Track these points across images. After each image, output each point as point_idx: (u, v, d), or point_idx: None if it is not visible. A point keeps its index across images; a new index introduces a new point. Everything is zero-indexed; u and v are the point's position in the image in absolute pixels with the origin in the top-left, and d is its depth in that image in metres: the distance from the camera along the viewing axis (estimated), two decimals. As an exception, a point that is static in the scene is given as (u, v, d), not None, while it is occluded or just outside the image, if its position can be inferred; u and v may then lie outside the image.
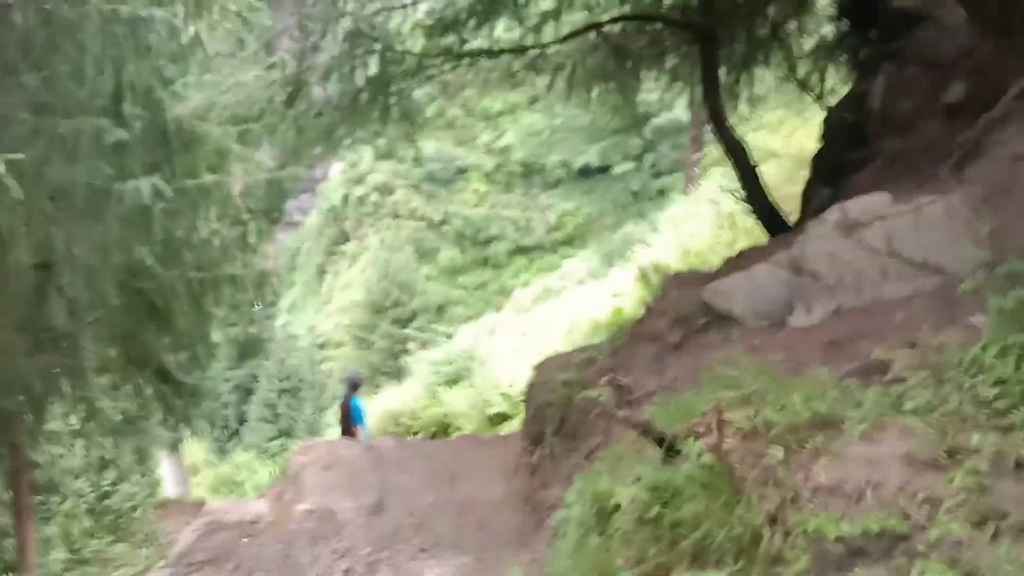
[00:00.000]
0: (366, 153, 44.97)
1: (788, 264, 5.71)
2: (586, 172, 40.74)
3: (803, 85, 9.64)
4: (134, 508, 11.34)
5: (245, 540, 6.01)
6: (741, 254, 8.43)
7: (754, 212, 9.10)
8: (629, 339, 6.13)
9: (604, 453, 3.97)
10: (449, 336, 36.03)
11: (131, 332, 11.85)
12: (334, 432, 16.64)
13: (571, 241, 43.35)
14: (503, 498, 6.71)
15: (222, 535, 6.08)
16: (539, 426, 6.49)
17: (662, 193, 37.34)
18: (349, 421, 14.13)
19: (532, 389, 7.03)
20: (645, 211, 33.25)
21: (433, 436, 19.42)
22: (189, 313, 11.94)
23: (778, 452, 3.01)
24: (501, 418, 16.59)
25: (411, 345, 29.29)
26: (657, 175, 41.02)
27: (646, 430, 3.33)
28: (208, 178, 11.43)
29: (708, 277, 10.14)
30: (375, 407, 21.48)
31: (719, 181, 24.49)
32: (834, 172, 8.65)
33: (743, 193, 9.20)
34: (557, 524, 3.70)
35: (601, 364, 6.03)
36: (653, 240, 22.57)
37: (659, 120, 36.56)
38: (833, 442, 3.03)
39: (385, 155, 44.00)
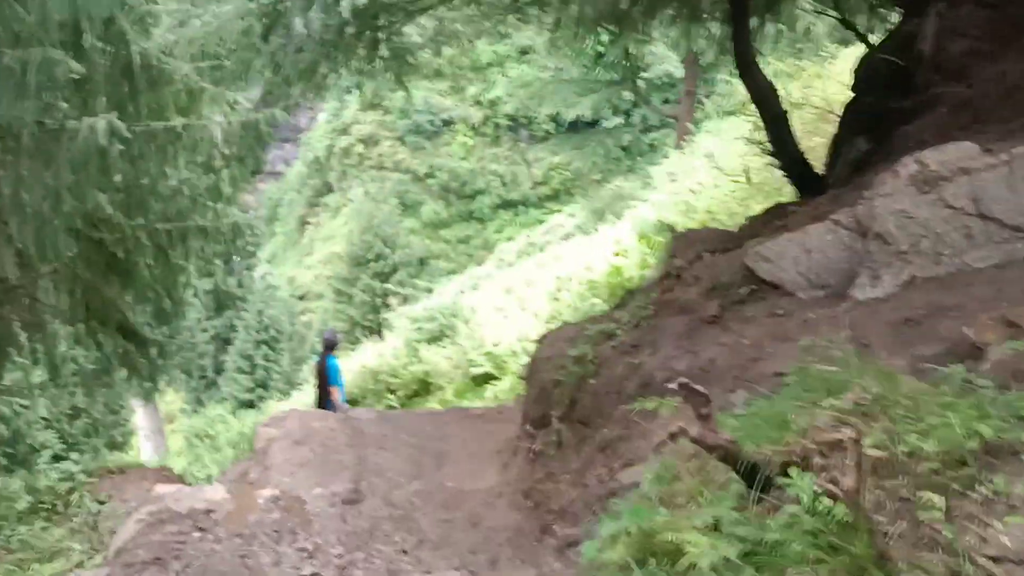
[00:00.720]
0: (351, 102, 43.56)
1: (851, 224, 4.74)
2: (574, 126, 39.53)
3: (846, 24, 8.53)
4: (72, 488, 10.32)
5: (197, 534, 5.03)
6: (779, 212, 7.46)
7: (782, 165, 8.10)
8: (653, 309, 5.15)
9: (649, 470, 2.99)
10: (431, 290, 35.04)
11: (92, 285, 10.78)
12: (308, 393, 15.66)
13: (557, 196, 42.30)
14: (498, 488, 5.76)
15: (171, 528, 5.09)
16: (543, 408, 5.53)
17: (652, 148, 36.24)
18: (324, 381, 13.25)
19: (536, 364, 6.04)
20: (635, 166, 32.15)
21: (415, 394, 18.53)
22: (155, 266, 10.87)
23: (935, 499, 2.06)
24: (486, 378, 15.68)
25: (392, 300, 28.24)
26: (646, 130, 39.88)
27: (727, 454, 2.37)
28: (177, 120, 10.28)
29: (727, 236, 9.18)
30: (354, 363, 20.51)
31: (718, 134, 23.51)
32: (873, 122, 7.65)
33: (769, 144, 8.18)
34: (587, 567, 2.71)
35: (621, 339, 5.06)
36: (648, 196, 21.57)
37: (649, 74, 35.35)
38: (1017, 485, 2.07)
39: (371, 105, 42.57)
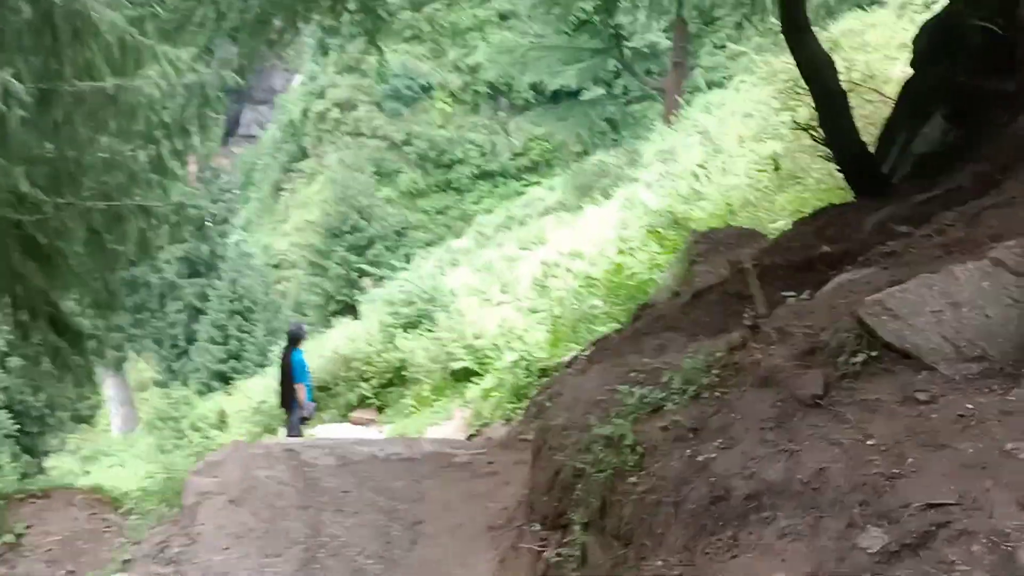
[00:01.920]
0: (328, 64, 41.41)
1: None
2: (556, 96, 37.66)
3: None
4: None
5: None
6: (837, 216, 5.87)
7: (835, 156, 6.47)
8: (720, 373, 3.54)
9: None
10: (407, 265, 33.30)
11: (14, 272, 9.01)
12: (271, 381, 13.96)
13: (536, 167, 40.54)
14: (493, 592, 4.22)
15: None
16: (559, 503, 3.93)
17: (635, 121, 34.48)
18: (289, 378, 11.75)
19: (547, 435, 4.39)
20: (620, 140, 30.43)
21: (389, 383, 16.93)
22: (86, 252, 9.13)
23: None
24: (466, 374, 14.09)
25: (366, 282, 26.50)
26: (627, 102, 38.08)
27: None
28: (109, 81, 8.47)
29: (768, 244, 7.57)
30: (326, 347, 18.85)
31: (712, 109, 21.83)
32: (951, 105, 6.04)
33: (819, 128, 6.53)
34: None
35: (675, 417, 3.44)
36: (638, 174, 19.92)
37: (633, 43, 33.48)
38: None
39: (347, 68, 40.44)
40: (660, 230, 9.21)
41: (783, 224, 9.09)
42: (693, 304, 5.85)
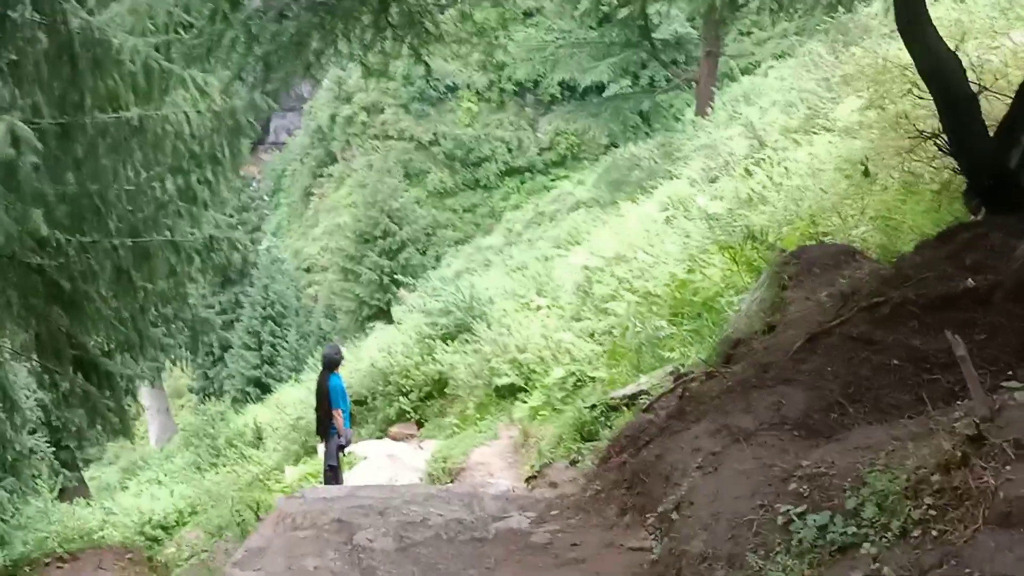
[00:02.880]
0: (354, 69, 40.60)
1: None
2: (582, 90, 36.65)
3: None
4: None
5: None
6: (971, 239, 4.93)
7: (964, 165, 5.51)
8: (935, 503, 2.61)
9: None
10: (436, 264, 32.53)
11: (39, 314, 8.25)
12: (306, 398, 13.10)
13: (563, 162, 39.63)
14: None
15: None
16: None
17: (662, 113, 33.42)
18: (327, 403, 11.00)
19: (679, 566, 3.47)
20: (653, 133, 29.40)
21: (429, 396, 16.10)
22: (113, 291, 8.36)
23: None
24: (511, 390, 13.20)
25: (401, 292, 25.68)
26: (653, 94, 36.95)
27: None
28: (133, 111, 7.66)
29: (861, 261, 6.63)
30: (362, 360, 18.04)
31: (749, 100, 20.77)
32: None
33: (943, 135, 5.57)
34: None
35: (874, 565, 2.55)
36: (679, 170, 18.90)
37: (660, 34, 32.33)
38: None
39: (374, 72, 39.57)
40: (736, 246, 8.25)
41: (864, 232, 8.14)
42: (809, 349, 4.92)
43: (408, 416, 16.03)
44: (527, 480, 7.72)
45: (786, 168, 10.85)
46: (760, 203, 10.23)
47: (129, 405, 9.80)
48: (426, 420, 15.97)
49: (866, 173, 7.78)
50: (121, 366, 9.39)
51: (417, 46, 6.07)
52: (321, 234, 38.72)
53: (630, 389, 7.86)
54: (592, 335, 12.91)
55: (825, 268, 6.48)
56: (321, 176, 41.18)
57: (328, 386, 11.21)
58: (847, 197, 8.63)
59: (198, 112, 7.59)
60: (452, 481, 11.55)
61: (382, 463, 13.84)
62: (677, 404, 5.83)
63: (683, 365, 7.59)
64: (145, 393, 36.41)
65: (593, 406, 7.72)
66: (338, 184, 39.94)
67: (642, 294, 9.73)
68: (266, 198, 42.65)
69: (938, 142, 5.57)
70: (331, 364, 11.42)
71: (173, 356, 34.51)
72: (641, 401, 7.01)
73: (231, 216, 36.53)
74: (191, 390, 38.69)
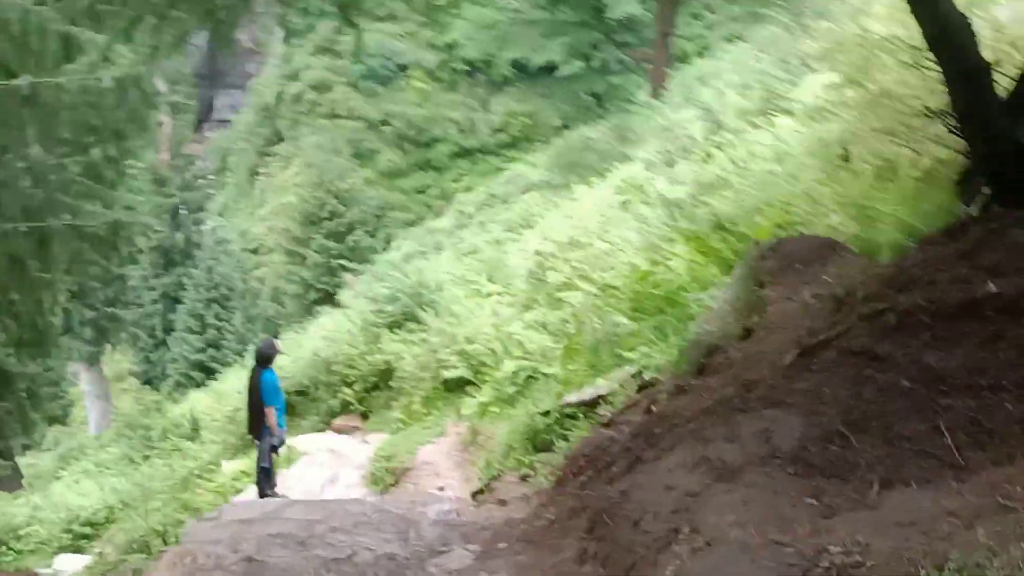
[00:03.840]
0: (301, 46, 39.12)
1: None
2: (534, 71, 35.69)
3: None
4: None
5: None
6: (987, 237, 4.16)
7: (974, 147, 4.74)
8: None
9: None
10: (387, 246, 31.42)
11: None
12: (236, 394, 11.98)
13: (516, 143, 38.61)
14: None
15: None
16: None
17: (616, 94, 32.56)
18: (259, 400, 10.09)
19: None
20: (606, 116, 28.59)
21: (374, 387, 15.20)
22: (7, 282, 7.30)
23: None
24: (460, 383, 12.37)
25: (347, 277, 24.60)
26: (605, 75, 36.11)
27: None
28: (24, 78, 6.58)
29: (846, 256, 5.85)
30: (303, 348, 17.05)
31: (705, 81, 20.00)
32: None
33: (951, 112, 4.79)
34: None
35: None
36: (636, 152, 18.11)
37: (612, 14, 31.50)
38: None
39: (321, 49, 38.21)
40: (700, 235, 7.42)
41: (839, 222, 7.39)
42: (802, 365, 4.13)
43: (352, 408, 15.14)
44: (474, 495, 6.87)
45: (751, 152, 10.09)
46: (724, 189, 9.45)
47: (34, 408, 8.69)
48: (371, 412, 15.08)
49: (845, 158, 7.02)
50: (20, 365, 8.29)
51: (346, 5, 5.09)
52: (268, 214, 37.33)
53: (587, 393, 7.04)
54: (545, 326, 12.11)
55: (807, 263, 5.70)
56: (268, 155, 39.68)
57: (260, 382, 10.31)
58: (819, 183, 7.88)
59: (99, 81, 6.54)
60: (396, 483, 10.71)
61: (323, 459, 12.92)
62: (644, 421, 5.02)
63: (645, 368, 6.79)
64: (84, 377, 34.85)
65: (546, 412, 6.89)
66: (285, 163, 38.51)
67: (600, 286, 8.90)
68: (211, 177, 41.02)
69: (946, 123, 4.79)
70: (264, 359, 10.50)
71: (112, 340, 33.08)
72: (600, 412, 6.19)
73: (173, 195, 35.02)
74: (133, 374, 37.19)
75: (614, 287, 8.56)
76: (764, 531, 3.12)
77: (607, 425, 5.36)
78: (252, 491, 10.96)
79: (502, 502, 6.34)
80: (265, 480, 10.25)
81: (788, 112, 12.93)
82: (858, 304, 4.38)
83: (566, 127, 31.64)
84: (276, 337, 23.50)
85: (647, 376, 6.22)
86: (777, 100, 14.51)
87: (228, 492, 11.44)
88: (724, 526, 3.32)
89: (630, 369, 6.99)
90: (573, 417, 6.76)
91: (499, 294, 15.74)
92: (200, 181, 38.46)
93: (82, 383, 34.51)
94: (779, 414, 3.91)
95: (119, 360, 38.04)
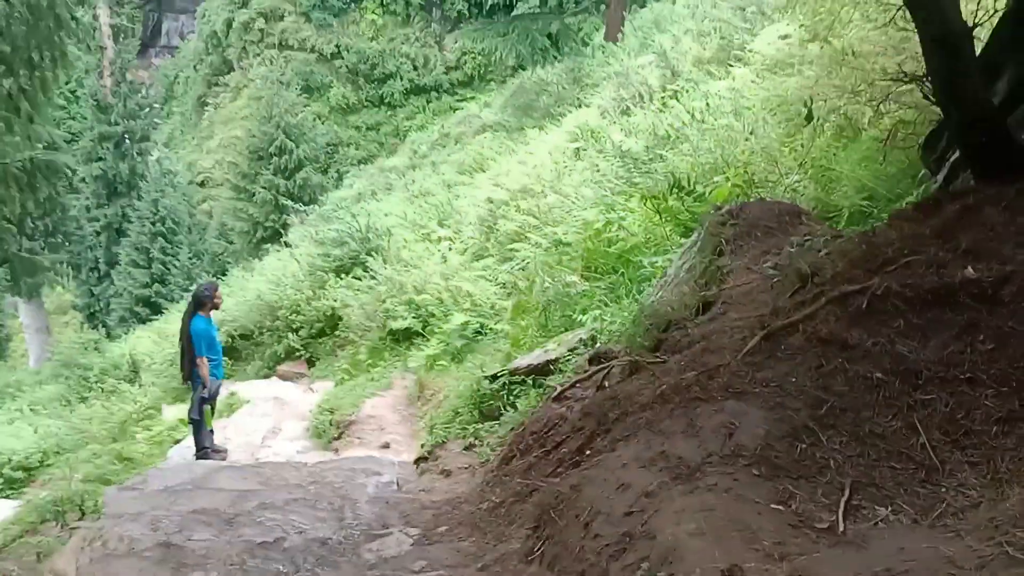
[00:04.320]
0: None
1: None
2: (492, 9, 34.64)
3: None
4: None
5: None
6: (959, 214, 3.86)
7: (952, 115, 4.39)
8: None
9: None
10: (339, 184, 30.59)
11: None
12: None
13: (471, 82, 37.70)
14: None
15: None
16: None
17: (571, 36, 31.75)
18: (191, 347, 9.46)
19: None
20: (561, 58, 27.87)
21: (320, 333, 14.75)
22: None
23: None
24: (407, 335, 11.98)
25: (292, 218, 23.81)
26: (561, 15, 35.18)
27: None
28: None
29: (811, 224, 5.52)
30: (248, 292, 16.47)
31: (662, 27, 19.47)
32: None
33: (927, 76, 4.42)
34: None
35: None
36: (589, 98, 17.60)
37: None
38: None
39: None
40: (657, 195, 7.02)
41: (797, 181, 7.07)
42: (766, 351, 3.81)
43: (298, 354, 14.69)
44: (417, 461, 6.53)
45: (707, 104, 9.69)
46: (680, 142, 9.07)
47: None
48: (317, 359, 14.66)
49: (809, 117, 6.65)
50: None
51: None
52: (216, 147, 36.06)
53: (536, 357, 6.71)
54: (495, 278, 11.75)
55: (768, 232, 5.38)
56: (217, 85, 38.17)
57: (191, 329, 9.77)
58: (778, 142, 7.53)
59: (7, 3, 5.86)
60: (340, 437, 10.35)
61: (266, 409, 12.49)
62: (596, 399, 4.69)
63: (597, 333, 6.46)
64: (23, 310, 33.71)
65: (494, 376, 6.54)
66: (235, 94, 37.11)
67: (552, 241, 8.50)
68: (156, 106, 39.46)
69: (922, 88, 4.43)
70: (197, 303, 9.88)
71: (52, 272, 31.99)
72: (550, 381, 5.85)
73: (116, 124, 33.58)
74: (75, 307, 36.12)
75: (566, 244, 8.17)
76: (728, 549, 2.82)
77: (557, 399, 5.03)
78: (191, 441, 10.52)
79: (446, 473, 6.03)
80: (197, 434, 9.80)
81: (745, 63, 12.55)
82: (826, 284, 4.07)
83: (521, 68, 30.80)
84: (221, 277, 22.85)
85: (600, 344, 5.88)
86: (734, 50, 14.12)
87: (166, 442, 10.98)
88: (683, 537, 3.02)
89: (581, 333, 6.66)
90: (521, 383, 6.43)
91: (449, 240, 15.31)
92: (145, 110, 37.01)
93: (21, 316, 33.42)
94: (742, 407, 3.61)
95: (61, 293, 36.89)
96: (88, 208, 34.85)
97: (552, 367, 6.41)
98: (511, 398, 6.35)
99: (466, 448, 6.11)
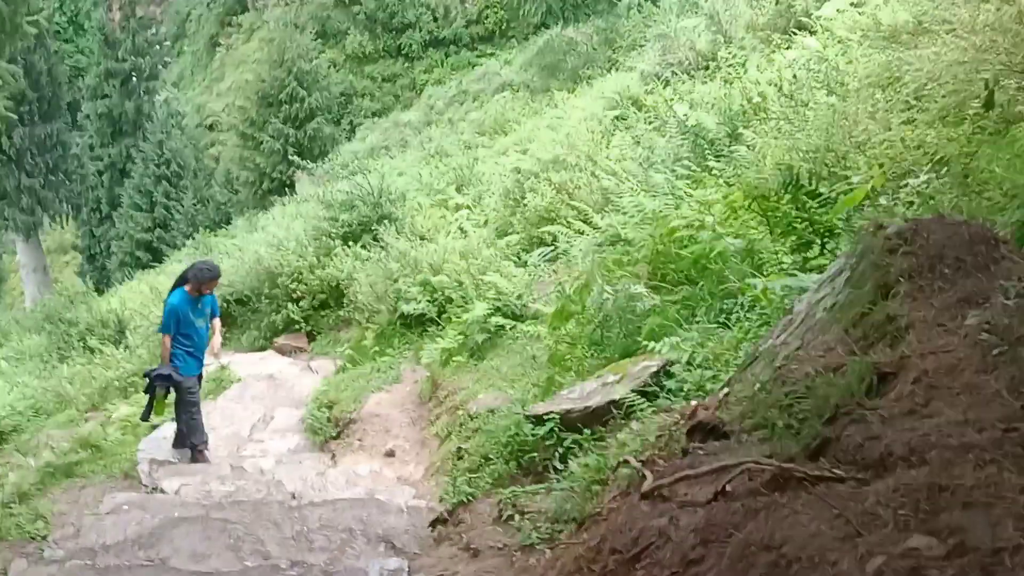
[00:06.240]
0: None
1: None
2: (518, -40, 32.43)
3: None
4: None
5: None
6: None
7: None
8: None
9: None
10: (351, 136, 28.74)
11: None
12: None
13: (491, 38, 35.55)
14: None
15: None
16: None
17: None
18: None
19: None
20: (588, 14, 25.93)
21: (323, 304, 13.16)
22: None
23: None
24: (420, 321, 10.36)
25: (297, 173, 21.98)
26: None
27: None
28: None
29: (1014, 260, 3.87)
30: (248, 253, 14.81)
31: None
32: None
33: None
34: None
35: None
36: (631, 61, 15.78)
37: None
38: None
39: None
40: (768, 197, 5.29)
41: (925, 183, 5.38)
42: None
43: (298, 326, 13.10)
44: (433, 523, 4.95)
45: (794, 75, 7.93)
46: (760, 121, 7.35)
47: None
48: (319, 332, 13.08)
49: (988, 103, 4.94)
50: None
51: None
52: (227, 90, 34.04)
53: (592, 393, 5.08)
54: (520, 257, 10.13)
55: (959, 267, 3.67)
56: (230, 25, 36.04)
57: (166, 303, 8.26)
58: (905, 130, 5.81)
59: None
60: (338, 436, 8.81)
61: (258, 390, 10.95)
62: (719, 519, 3.05)
63: (675, 366, 4.84)
64: (20, 248, 32.12)
65: (540, 420, 4.92)
66: (248, 36, 34.98)
67: (608, 236, 6.82)
68: (166, 43, 37.42)
69: None
70: (185, 277, 8.32)
71: (51, 211, 30.21)
72: (622, 439, 4.22)
73: (124, 60, 31.61)
74: (76, 248, 34.48)
75: (627, 241, 6.48)
76: None
77: (649, 497, 3.41)
78: (167, 431, 8.99)
79: (472, 552, 4.44)
80: (186, 425, 8.27)
81: (811, 31, 10.79)
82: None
83: (545, 26, 28.76)
84: (225, 227, 21.22)
85: (692, 398, 4.25)
86: (797, 16, 12.33)
87: (142, 426, 9.36)
88: None
89: (652, 364, 5.03)
90: (575, 429, 4.81)
91: (468, 207, 13.65)
92: (155, 47, 35.02)
93: (19, 254, 31.84)
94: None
95: (62, 232, 35.23)
96: (91, 147, 33.05)
97: (615, 410, 4.81)
98: (561, 449, 4.75)
99: (499, 517, 4.52)
